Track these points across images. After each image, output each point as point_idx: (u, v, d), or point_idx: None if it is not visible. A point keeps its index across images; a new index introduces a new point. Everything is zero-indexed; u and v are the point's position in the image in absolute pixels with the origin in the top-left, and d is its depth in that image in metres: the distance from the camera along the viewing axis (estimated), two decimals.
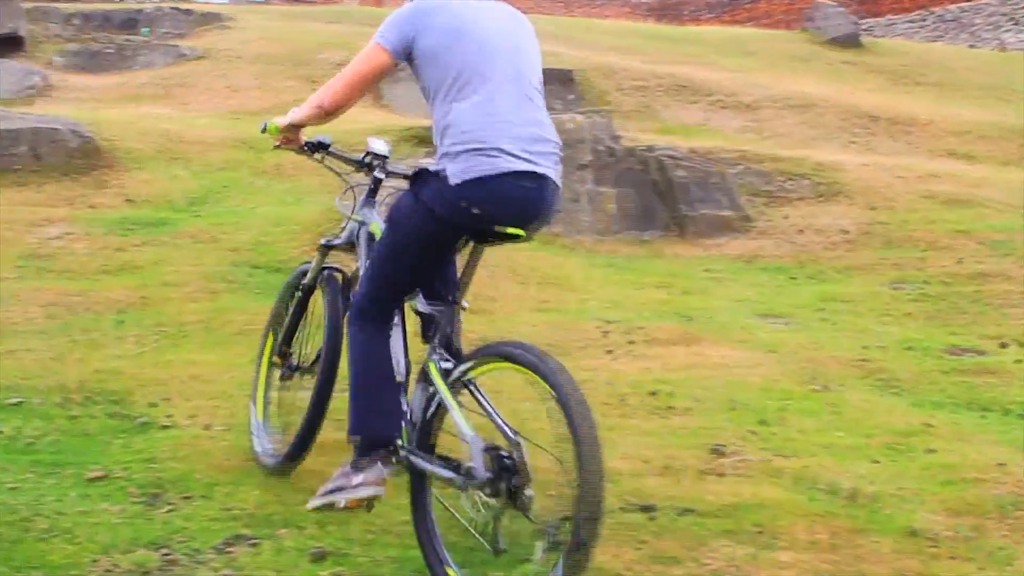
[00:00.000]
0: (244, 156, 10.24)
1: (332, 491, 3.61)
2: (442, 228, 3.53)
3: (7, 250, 7.72)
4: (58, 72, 15.44)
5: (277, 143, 4.07)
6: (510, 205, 3.47)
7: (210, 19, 18.42)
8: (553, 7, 43.77)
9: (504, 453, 3.28)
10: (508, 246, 3.89)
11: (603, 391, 5.42)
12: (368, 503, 3.63)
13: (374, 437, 3.61)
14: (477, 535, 3.41)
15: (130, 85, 14.63)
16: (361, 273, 4.00)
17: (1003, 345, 7.16)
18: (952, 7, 30.47)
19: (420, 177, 3.58)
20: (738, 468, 4.60)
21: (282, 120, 3.95)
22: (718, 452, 4.77)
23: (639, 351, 6.13)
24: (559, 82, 14.56)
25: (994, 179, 11.74)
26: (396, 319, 3.78)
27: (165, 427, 4.94)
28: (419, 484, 3.61)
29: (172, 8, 18.65)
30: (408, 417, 3.65)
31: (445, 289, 3.74)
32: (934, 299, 8.08)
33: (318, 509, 3.67)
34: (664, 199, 9.73)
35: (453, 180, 3.43)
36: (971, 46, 28.78)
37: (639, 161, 9.95)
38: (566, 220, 9.18)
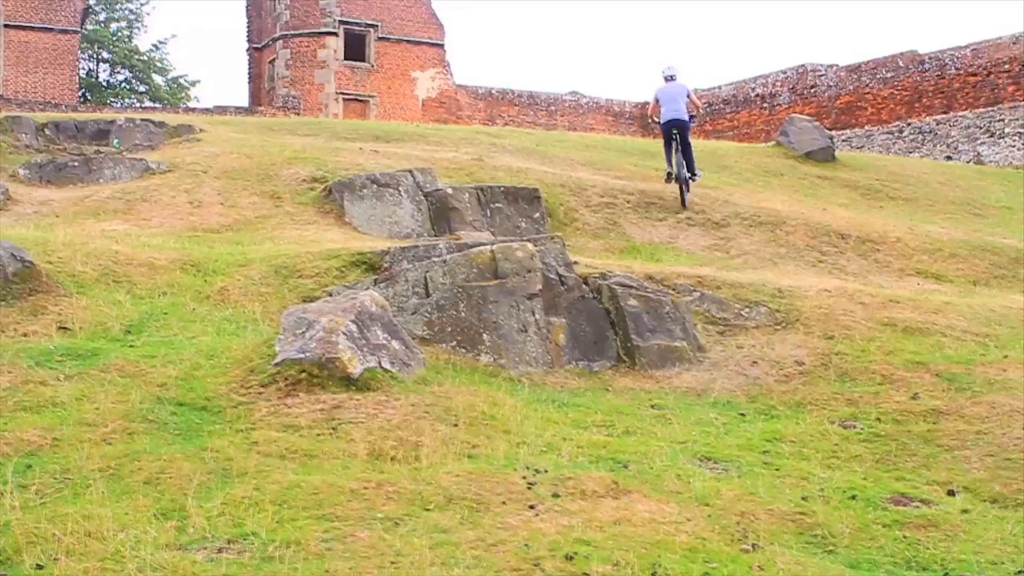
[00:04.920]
0: (190, 280, 10.04)
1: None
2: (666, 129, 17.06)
3: None
4: (22, 185, 15.31)
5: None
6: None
7: (182, 131, 18.39)
8: (537, 116, 44.21)
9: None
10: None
11: (516, 556, 5.15)
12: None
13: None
14: None
15: (93, 199, 14.49)
16: None
17: (951, 493, 6.94)
18: (929, 119, 30.74)
19: None
20: None
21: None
22: None
23: (564, 505, 5.87)
24: (525, 201, 14.43)
25: (957, 303, 11.59)
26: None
27: None
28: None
29: (144, 120, 18.65)
30: None
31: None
32: (884, 439, 7.87)
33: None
34: (616, 329, 9.54)
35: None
36: (948, 158, 28.97)
37: (592, 289, 9.78)
38: (514, 351, 8.97)
